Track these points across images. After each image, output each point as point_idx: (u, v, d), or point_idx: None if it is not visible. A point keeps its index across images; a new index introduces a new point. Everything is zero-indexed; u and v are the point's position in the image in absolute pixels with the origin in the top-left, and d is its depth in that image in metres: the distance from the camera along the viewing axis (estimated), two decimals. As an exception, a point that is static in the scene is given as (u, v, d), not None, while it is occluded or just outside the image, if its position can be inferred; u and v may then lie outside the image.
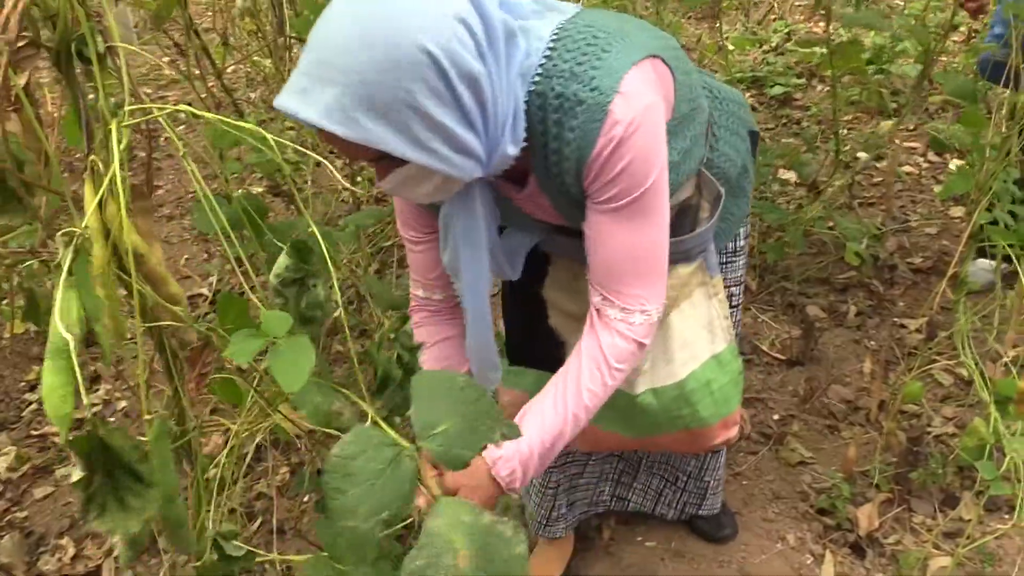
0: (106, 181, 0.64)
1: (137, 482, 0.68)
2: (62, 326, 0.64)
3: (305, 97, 0.85)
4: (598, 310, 1.10)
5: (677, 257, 1.25)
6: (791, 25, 4.89)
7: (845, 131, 3.44)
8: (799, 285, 2.65)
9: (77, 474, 0.66)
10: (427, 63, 0.84)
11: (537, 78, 0.97)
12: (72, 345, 0.63)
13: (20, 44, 0.67)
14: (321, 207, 2.67)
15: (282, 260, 0.80)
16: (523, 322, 1.45)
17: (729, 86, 1.37)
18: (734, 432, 1.38)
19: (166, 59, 6.19)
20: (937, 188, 3.12)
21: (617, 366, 1.09)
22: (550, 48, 0.98)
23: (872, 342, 2.42)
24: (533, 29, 0.99)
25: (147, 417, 0.73)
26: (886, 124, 3.46)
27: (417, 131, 0.87)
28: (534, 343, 1.40)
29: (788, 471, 2.01)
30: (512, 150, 0.96)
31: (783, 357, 2.37)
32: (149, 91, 5.48)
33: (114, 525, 0.67)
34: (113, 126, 0.64)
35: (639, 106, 0.96)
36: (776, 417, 2.18)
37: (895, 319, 2.50)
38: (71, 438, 0.62)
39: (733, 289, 1.45)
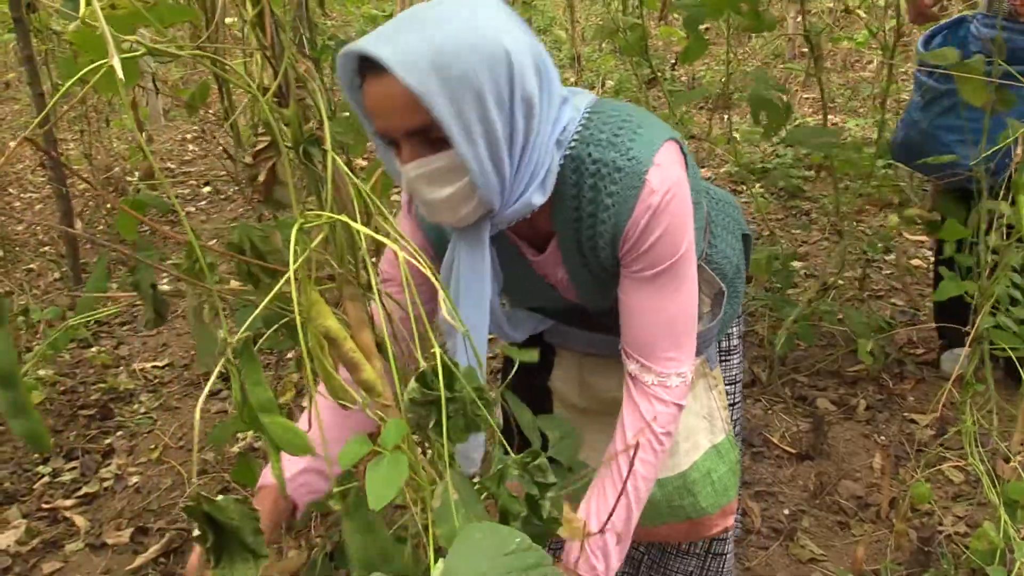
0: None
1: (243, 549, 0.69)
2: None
3: (386, 41, 0.87)
4: (634, 378, 1.11)
5: None
6: (800, 119, 5.03)
7: (855, 224, 3.51)
8: (809, 378, 2.67)
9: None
10: (504, 63, 0.89)
11: (573, 143, 1.02)
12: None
13: (262, 145, 0.75)
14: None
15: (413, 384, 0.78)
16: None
17: (722, 189, 1.43)
18: (731, 520, 1.39)
19: (190, 135, 6.40)
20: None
21: (661, 431, 1.10)
22: (586, 118, 1.03)
23: (882, 437, 2.42)
24: (570, 100, 1.04)
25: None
26: (893, 218, 3.52)
27: (470, 117, 0.89)
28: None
29: (799, 568, 2.00)
30: (538, 200, 0.99)
31: (793, 451, 2.38)
32: (173, 166, 5.65)
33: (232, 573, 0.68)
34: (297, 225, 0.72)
35: (673, 177, 1.02)
36: (787, 512, 2.18)
37: (905, 414, 2.51)
38: (185, 506, 0.65)
39: (728, 387, 1.45)
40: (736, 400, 1.51)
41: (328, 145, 0.70)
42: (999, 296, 1.66)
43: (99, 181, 4.62)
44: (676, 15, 4.41)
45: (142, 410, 2.83)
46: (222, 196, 5.01)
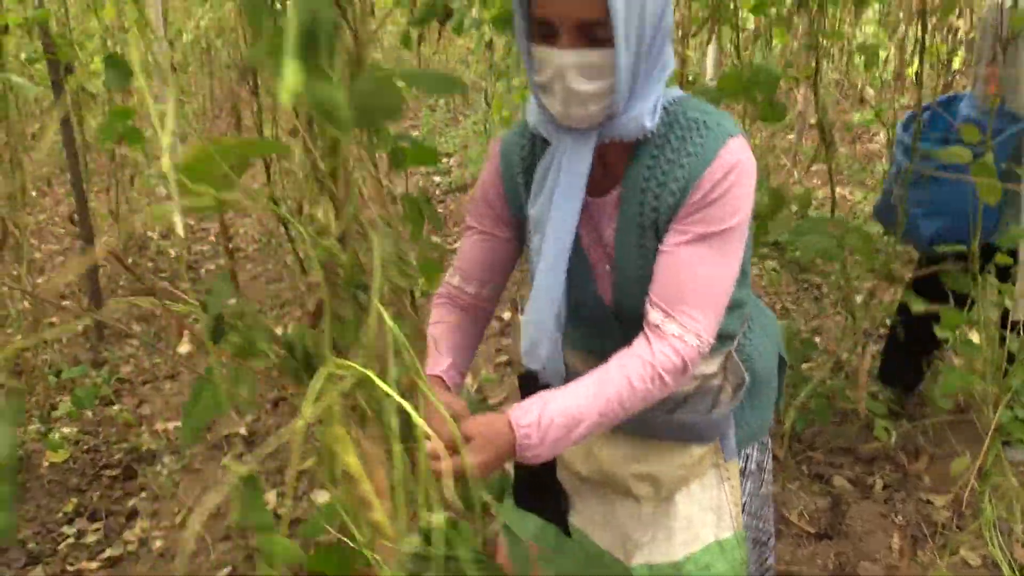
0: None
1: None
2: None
3: None
4: (656, 326, 1.12)
5: (691, 436, 1.28)
6: (811, 189, 5.12)
7: (868, 298, 3.57)
8: (825, 455, 2.71)
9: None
10: None
11: (670, 104, 1.14)
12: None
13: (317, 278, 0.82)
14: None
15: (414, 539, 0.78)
16: (530, 469, 1.45)
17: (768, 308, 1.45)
18: None
19: (211, 192, 6.52)
20: (957, 360, 3.21)
21: (662, 373, 1.10)
22: (679, 94, 1.16)
23: (899, 516, 2.45)
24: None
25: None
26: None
27: (632, 25, 1.01)
28: (541, 494, 1.38)
29: (819, 651, 2.01)
30: (648, 123, 1.09)
31: (812, 530, 2.40)
32: (192, 223, 5.76)
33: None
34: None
35: (748, 154, 1.11)
36: (806, 592, 2.20)
37: (921, 494, 2.54)
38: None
39: (733, 509, 1.35)
40: (764, 537, 1.46)
41: (375, 294, 0.73)
42: (1017, 389, 1.71)
43: (123, 237, 4.72)
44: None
45: (165, 472, 2.86)
46: (241, 254, 5.10)
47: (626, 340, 1.15)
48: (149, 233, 5.22)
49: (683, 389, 1.26)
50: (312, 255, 0.68)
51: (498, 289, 1.35)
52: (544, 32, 1.05)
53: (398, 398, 0.66)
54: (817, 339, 3.34)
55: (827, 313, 3.76)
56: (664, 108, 1.13)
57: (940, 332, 2.02)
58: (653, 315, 1.13)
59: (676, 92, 1.17)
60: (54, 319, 4.19)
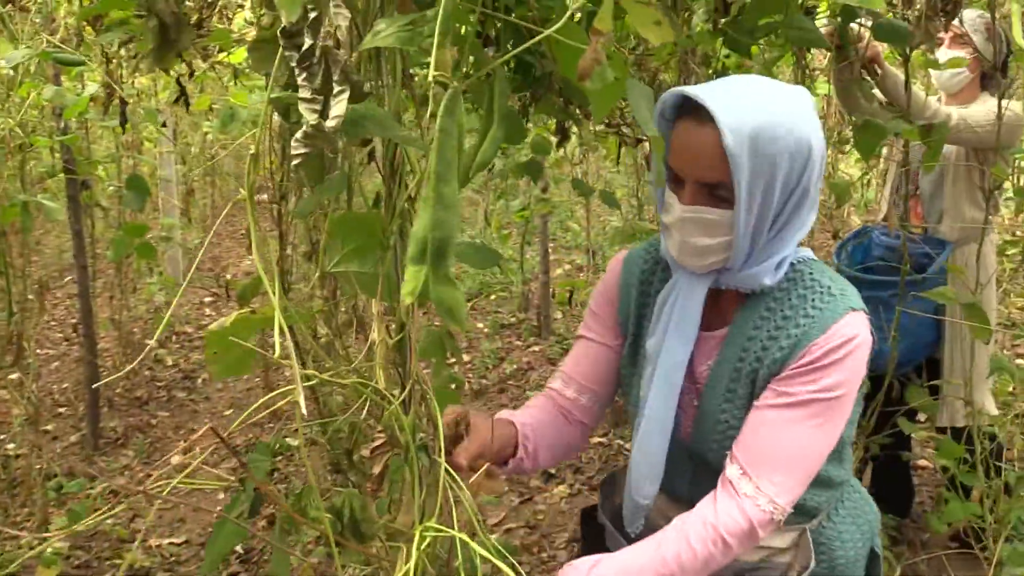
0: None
1: None
2: None
3: (720, 97, 1.03)
4: (730, 481, 1.08)
5: None
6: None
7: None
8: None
9: None
10: (805, 156, 1.04)
11: (798, 263, 1.14)
12: None
13: (379, 441, 0.87)
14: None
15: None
16: None
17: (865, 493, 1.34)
18: None
19: (208, 298, 6.60)
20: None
21: (724, 535, 1.04)
22: (809, 257, 1.17)
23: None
24: None
25: None
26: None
27: (757, 189, 1.03)
28: None
29: None
30: (767, 280, 1.10)
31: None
32: (190, 329, 5.80)
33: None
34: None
35: (866, 334, 1.09)
36: None
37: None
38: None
39: None
40: None
41: (441, 457, 0.79)
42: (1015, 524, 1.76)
43: (122, 344, 4.75)
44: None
45: (159, 591, 2.81)
46: (238, 363, 5.12)
47: (694, 482, 1.16)
48: (148, 341, 5.26)
49: (747, 558, 1.18)
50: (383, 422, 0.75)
51: (598, 402, 1.32)
52: (673, 178, 1.10)
53: (495, 560, 0.70)
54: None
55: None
56: (791, 264, 1.14)
57: (940, 460, 2.08)
58: (731, 470, 1.09)
59: (807, 252, 1.18)
60: (48, 427, 4.17)
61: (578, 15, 1.22)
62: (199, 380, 4.88)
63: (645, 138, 3.42)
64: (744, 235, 1.06)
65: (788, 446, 1.07)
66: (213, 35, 1.99)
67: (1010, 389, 3.60)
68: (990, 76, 2.48)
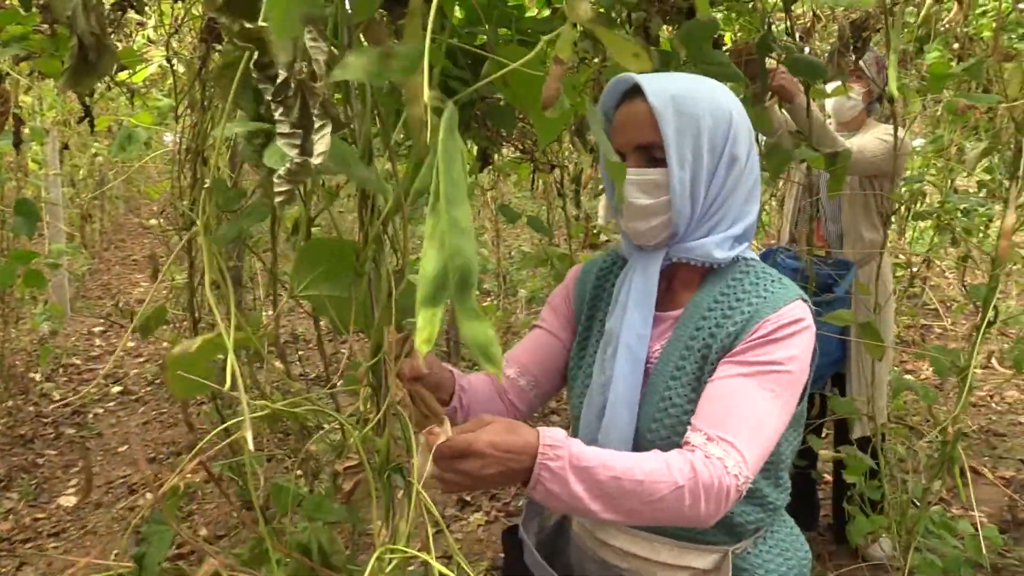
0: None
1: None
2: None
3: (649, 79, 1.14)
4: (697, 447, 1.05)
5: None
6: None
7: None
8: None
9: None
10: (726, 121, 1.14)
11: (751, 260, 1.21)
12: None
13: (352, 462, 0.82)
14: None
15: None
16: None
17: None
18: None
19: (97, 328, 6.26)
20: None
21: (700, 482, 1.01)
22: (759, 260, 1.24)
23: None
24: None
25: None
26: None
27: (685, 146, 1.12)
28: None
29: None
30: (718, 254, 1.17)
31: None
32: (79, 362, 5.48)
33: None
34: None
35: (812, 324, 1.14)
36: None
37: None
38: None
39: None
40: None
41: (415, 477, 0.78)
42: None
43: (3, 378, 4.44)
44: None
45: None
46: (132, 397, 4.87)
47: None
48: (32, 375, 4.94)
49: None
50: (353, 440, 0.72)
51: (535, 389, 1.32)
52: (622, 158, 1.18)
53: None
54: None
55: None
56: (744, 259, 1.21)
57: (848, 477, 2.16)
58: (694, 438, 1.07)
59: (756, 257, 1.24)
60: (-81, 471, 3.84)
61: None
62: (89, 415, 4.60)
63: (558, 164, 3.46)
64: (682, 194, 1.14)
65: (747, 413, 1.07)
66: (118, 53, 1.89)
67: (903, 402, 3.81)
68: (873, 104, 2.73)
